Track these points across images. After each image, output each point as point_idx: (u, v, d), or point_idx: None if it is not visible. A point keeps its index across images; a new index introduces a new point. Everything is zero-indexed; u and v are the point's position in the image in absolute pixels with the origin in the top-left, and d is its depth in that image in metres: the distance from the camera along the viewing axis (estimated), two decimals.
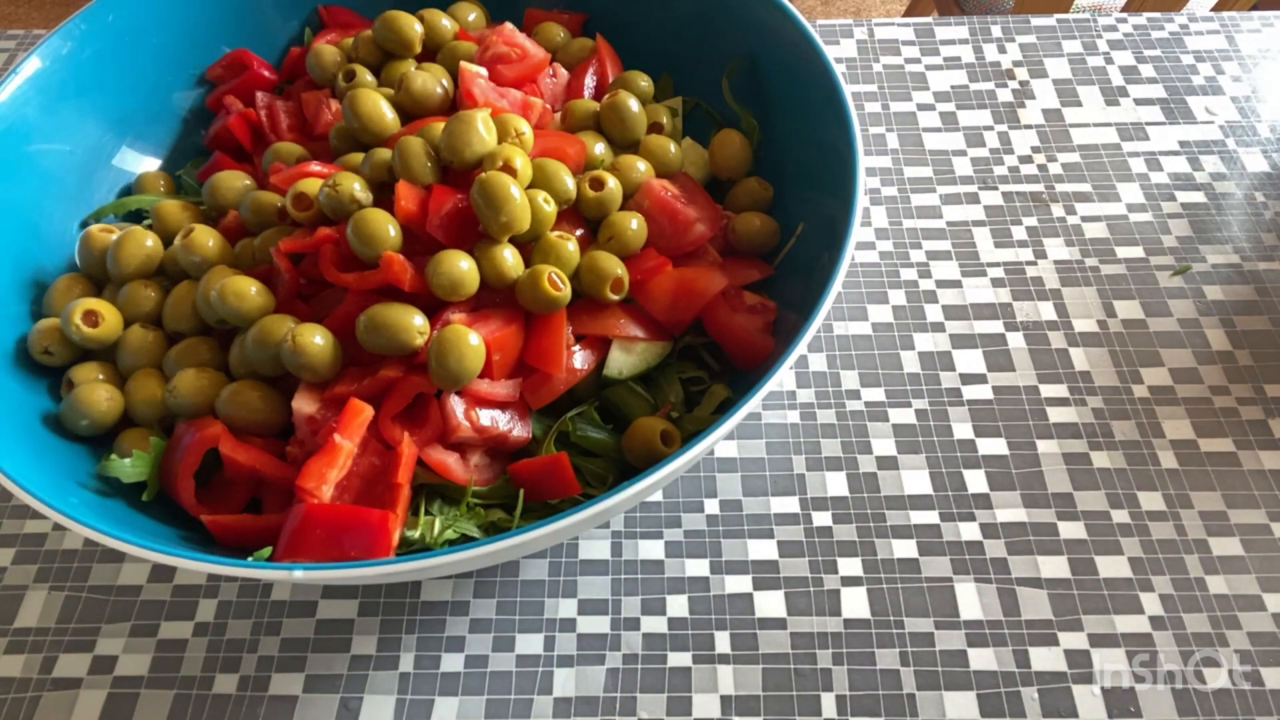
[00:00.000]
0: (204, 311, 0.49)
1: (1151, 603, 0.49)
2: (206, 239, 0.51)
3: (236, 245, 0.52)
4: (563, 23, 0.65)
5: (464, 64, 0.55)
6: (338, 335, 0.47)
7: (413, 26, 0.59)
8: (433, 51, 0.61)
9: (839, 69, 0.56)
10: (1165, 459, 0.54)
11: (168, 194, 0.60)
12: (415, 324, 0.45)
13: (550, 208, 0.49)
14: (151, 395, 0.48)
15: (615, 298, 0.49)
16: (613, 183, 0.52)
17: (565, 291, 0.47)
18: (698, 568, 0.51)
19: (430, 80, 0.55)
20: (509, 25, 0.60)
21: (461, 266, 0.46)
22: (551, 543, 0.43)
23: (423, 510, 0.46)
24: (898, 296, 0.62)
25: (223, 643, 0.50)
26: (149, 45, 0.60)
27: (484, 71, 0.56)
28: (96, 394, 0.48)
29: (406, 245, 0.48)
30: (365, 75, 0.59)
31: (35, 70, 0.54)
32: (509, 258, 0.47)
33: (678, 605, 0.50)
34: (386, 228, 0.47)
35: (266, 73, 0.64)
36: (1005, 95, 0.73)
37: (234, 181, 0.56)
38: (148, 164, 0.62)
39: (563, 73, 0.61)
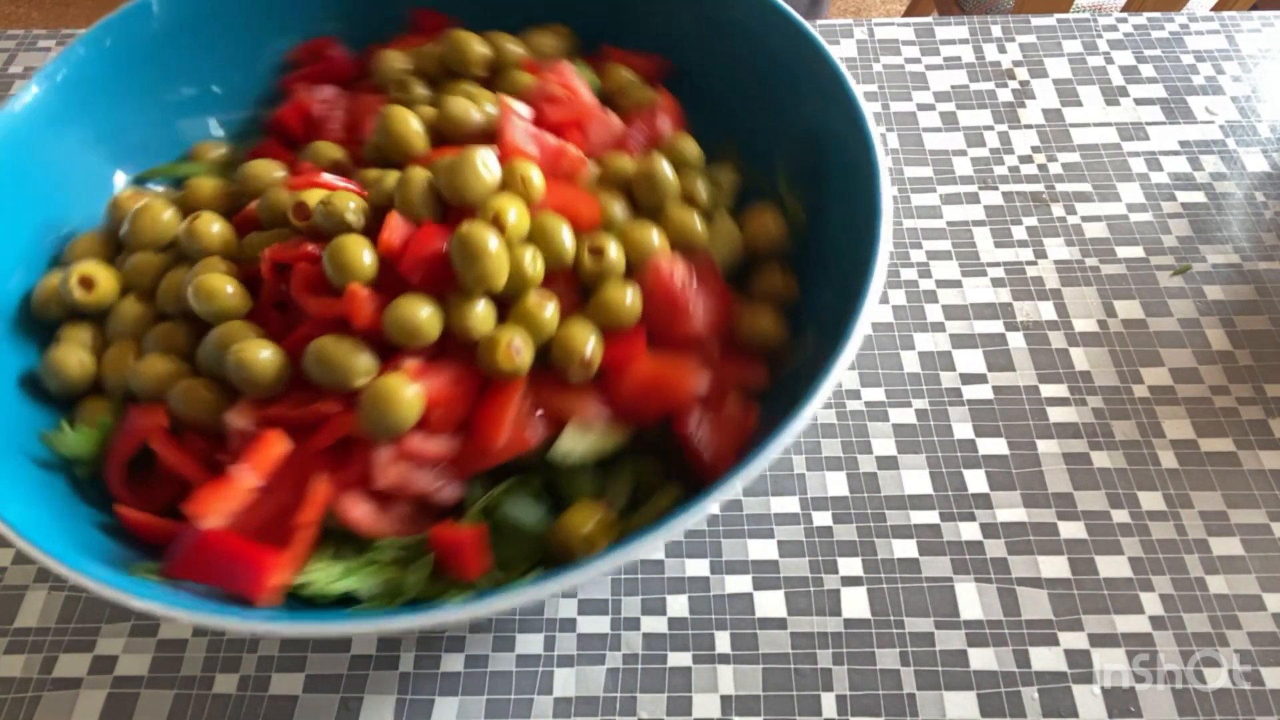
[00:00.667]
0: (186, 299, 0.49)
1: (1152, 603, 0.49)
2: (210, 226, 0.50)
3: (245, 237, 0.51)
4: (637, 67, 0.60)
5: (505, 98, 0.52)
6: (292, 355, 0.45)
7: (477, 47, 0.56)
8: (494, 76, 0.58)
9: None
10: (1165, 459, 0.54)
11: (219, 166, 0.60)
12: (360, 365, 0.43)
13: (538, 268, 0.46)
14: (122, 368, 0.48)
15: (581, 377, 0.46)
16: (614, 251, 0.48)
17: (520, 362, 0.44)
18: (698, 568, 0.51)
19: (468, 106, 0.52)
20: (566, 64, 0.57)
21: (421, 314, 0.43)
22: (426, 627, 0.40)
23: (330, 554, 0.44)
24: (898, 296, 0.62)
25: (222, 642, 0.50)
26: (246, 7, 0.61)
27: (527, 108, 0.53)
28: (70, 356, 0.48)
29: (383, 279, 0.45)
30: (417, 89, 0.57)
31: (127, 13, 0.55)
32: (480, 311, 0.44)
33: (678, 605, 0.50)
34: (361, 258, 0.44)
35: (344, 64, 0.62)
36: (1005, 95, 0.73)
37: (267, 171, 0.55)
38: (216, 131, 0.62)
39: (616, 122, 0.56)
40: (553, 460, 0.46)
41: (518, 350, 0.44)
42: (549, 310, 0.46)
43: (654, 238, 0.50)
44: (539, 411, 0.46)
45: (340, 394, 0.44)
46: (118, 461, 0.46)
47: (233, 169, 0.60)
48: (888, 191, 0.46)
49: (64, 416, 0.48)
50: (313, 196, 0.49)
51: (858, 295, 0.44)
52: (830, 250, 0.52)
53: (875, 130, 0.49)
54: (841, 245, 0.50)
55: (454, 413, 0.45)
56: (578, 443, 0.46)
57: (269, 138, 0.61)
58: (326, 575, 0.43)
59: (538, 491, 0.47)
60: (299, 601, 0.43)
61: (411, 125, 0.52)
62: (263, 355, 0.44)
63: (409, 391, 0.43)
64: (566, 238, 0.47)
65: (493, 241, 0.44)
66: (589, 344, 0.46)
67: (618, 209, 0.52)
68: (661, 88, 0.59)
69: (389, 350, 0.45)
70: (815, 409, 0.40)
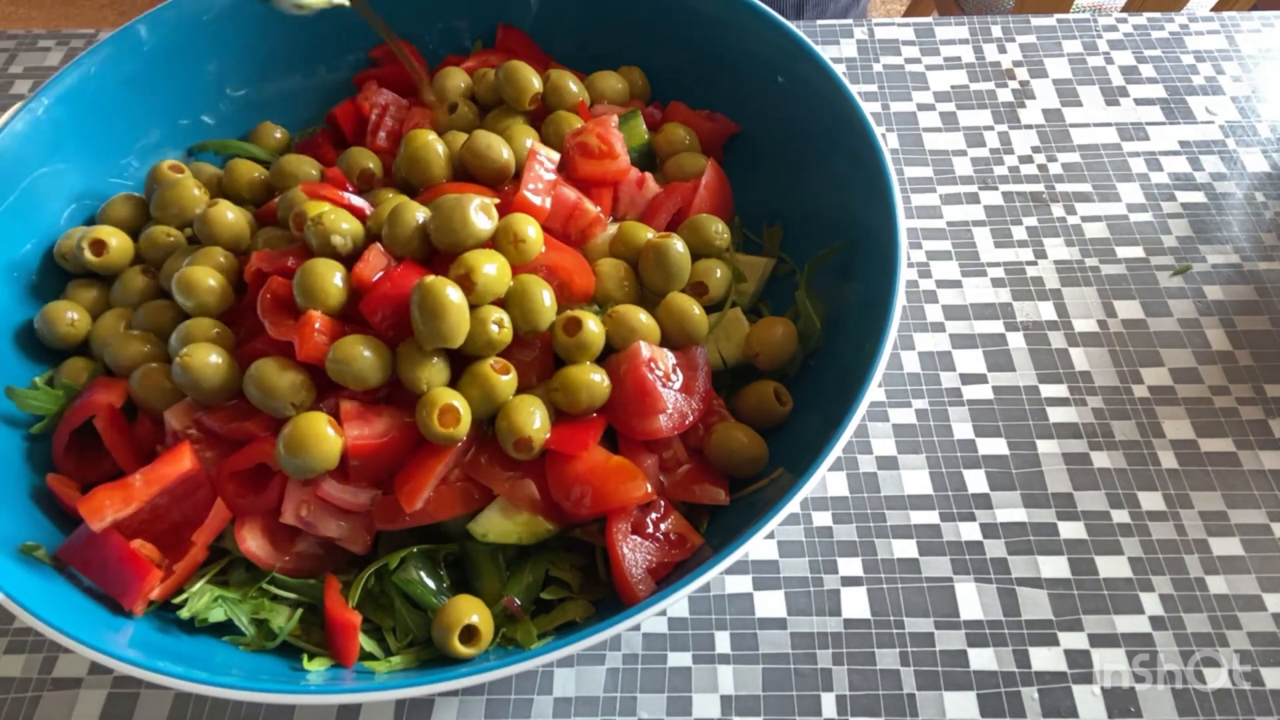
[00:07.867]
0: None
1: (1151, 603, 0.49)
2: (224, 215, 0.50)
3: (259, 231, 0.51)
4: (700, 129, 0.58)
5: (534, 143, 0.51)
6: (244, 367, 0.44)
7: (530, 81, 0.55)
8: (544, 113, 0.56)
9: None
10: (1165, 459, 0.54)
11: (277, 150, 0.60)
12: (292, 396, 0.43)
13: (504, 333, 0.44)
14: (108, 335, 0.49)
15: (519, 457, 0.44)
16: (594, 327, 0.45)
17: (456, 431, 0.42)
18: None
19: (496, 144, 0.50)
20: (611, 119, 0.54)
21: (363, 356, 0.42)
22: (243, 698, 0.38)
23: (219, 578, 0.45)
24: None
25: None
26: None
27: (555, 156, 0.51)
28: (63, 315, 0.50)
29: (354, 312, 0.44)
30: (467, 112, 0.56)
31: None
32: (431, 366, 0.43)
33: (678, 605, 0.50)
34: (328, 285, 0.43)
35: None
36: (1005, 95, 0.73)
37: (302, 168, 0.55)
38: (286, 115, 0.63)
39: (652, 187, 0.54)
40: (471, 535, 0.44)
41: (457, 416, 0.42)
42: (505, 378, 0.44)
43: (641, 321, 0.47)
44: (468, 480, 0.44)
45: (272, 419, 0.43)
46: (65, 429, 0.46)
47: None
48: (891, 333, 0.44)
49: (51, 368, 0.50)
50: (314, 209, 0.47)
51: (833, 431, 0.41)
52: (828, 372, 0.49)
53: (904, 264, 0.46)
54: (838, 369, 0.47)
55: (378, 466, 0.43)
56: (498, 524, 0.44)
57: (322, 131, 0.60)
58: (203, 601, 0.43)
59: (440, 564, 0.45)
60: (173, 620, 0.43)
61: (435, 153, 0.50)
62: (212, 359, 0.44)
63: (328, 435, 0.41)
64: (545, 305, 0.45)
65: (454, 299, 0.42)
66: (534, 422, 0.43)
67: (617, 283, 0.49)
68: (716, 160, 0.56)
69: (332, 386, 0.43)
70: (748, 549, 0.39)
